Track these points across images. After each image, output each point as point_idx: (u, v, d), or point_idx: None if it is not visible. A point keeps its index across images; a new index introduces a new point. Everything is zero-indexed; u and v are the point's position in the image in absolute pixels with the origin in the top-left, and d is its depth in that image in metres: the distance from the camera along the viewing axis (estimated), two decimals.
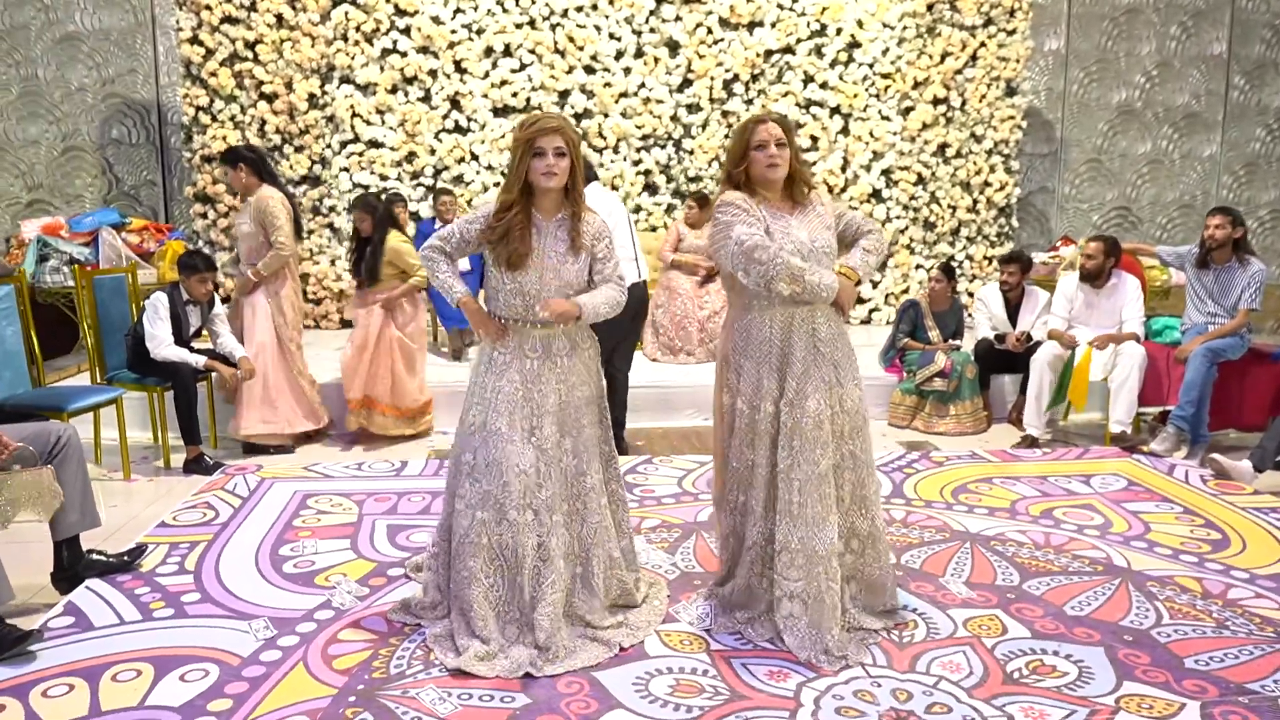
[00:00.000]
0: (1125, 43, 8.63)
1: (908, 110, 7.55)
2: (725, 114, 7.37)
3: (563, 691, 2.41)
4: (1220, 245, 4.79)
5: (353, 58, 7.03)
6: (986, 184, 7.72)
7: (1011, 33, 7.53)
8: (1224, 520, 3.73)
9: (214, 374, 4.57)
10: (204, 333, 4.77)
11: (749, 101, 7.38)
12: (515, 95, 7.17)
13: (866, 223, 2.82)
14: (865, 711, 2.32)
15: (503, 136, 7.19)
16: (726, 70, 7.29)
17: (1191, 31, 8.70)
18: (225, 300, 5.02)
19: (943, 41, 7.44)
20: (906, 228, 7.70)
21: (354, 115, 7.10)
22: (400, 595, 2.95)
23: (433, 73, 7.12)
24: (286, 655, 2.59)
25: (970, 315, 6.23)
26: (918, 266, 7.77)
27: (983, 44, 7.51)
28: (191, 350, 4.52)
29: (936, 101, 7.55)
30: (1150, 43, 8.67)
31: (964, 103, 7.57)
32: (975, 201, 7.74)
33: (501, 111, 7.19)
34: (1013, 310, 5.51)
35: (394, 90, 7.12)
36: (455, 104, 7.19)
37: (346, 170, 7.17)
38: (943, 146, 7.63)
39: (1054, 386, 5.04)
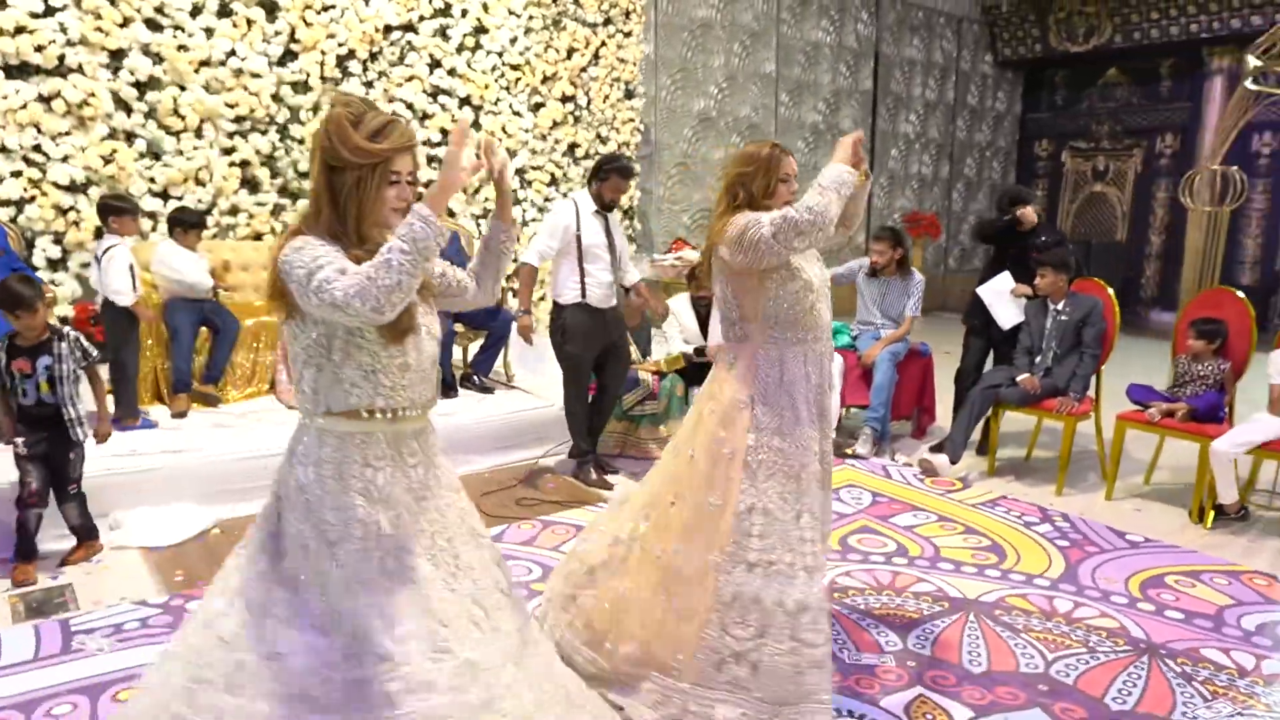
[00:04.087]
0: (702, 55, 9.21)
1: (538, 106, 7.09)
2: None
3: None
4: (885, 265, 5.22)
5: None
6: None
7: (628, 34, 7.50)
8: (971, 521, 3.99)
9: None
10: None
11: (368, 84, 6.24)
12: (41, 50, 5.08)
13: None
14: None
15: (23, 106, 5.06)
16: (340, 45, 6.06)
17: (750, 50, 9.61)
18: None
19: (568, 36, 7.11)
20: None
21: None
22: None
23: None
24: None
25: (659, 328, 6.00)
26: None
27: (604, 43, 7.35)
28: None
29: (565, 99, 7.21)
30: (720, 57, 9.38)
31: (590, 102, 7.35)
32: None
33: (18, 70, 5.05)
34: (703, 321, 5.41)
35: None
36: None
37: None
38: (572, 146, 7.33)
39: None
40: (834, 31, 10.32)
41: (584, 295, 4.27)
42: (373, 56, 6.23)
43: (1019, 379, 4.66)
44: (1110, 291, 4.84)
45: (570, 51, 7.14)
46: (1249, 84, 5.30)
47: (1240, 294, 4.54)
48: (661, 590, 2.33)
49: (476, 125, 6.74)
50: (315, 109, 6.00)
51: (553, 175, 7.22)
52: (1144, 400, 4.48)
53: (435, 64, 6.49)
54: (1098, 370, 4.79)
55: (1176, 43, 10.31)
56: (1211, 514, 4.11)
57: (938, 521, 4.00)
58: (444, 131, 6.58)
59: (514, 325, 5.40)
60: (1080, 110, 11.97)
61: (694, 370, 5.28)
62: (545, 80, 7.06)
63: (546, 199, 7.21)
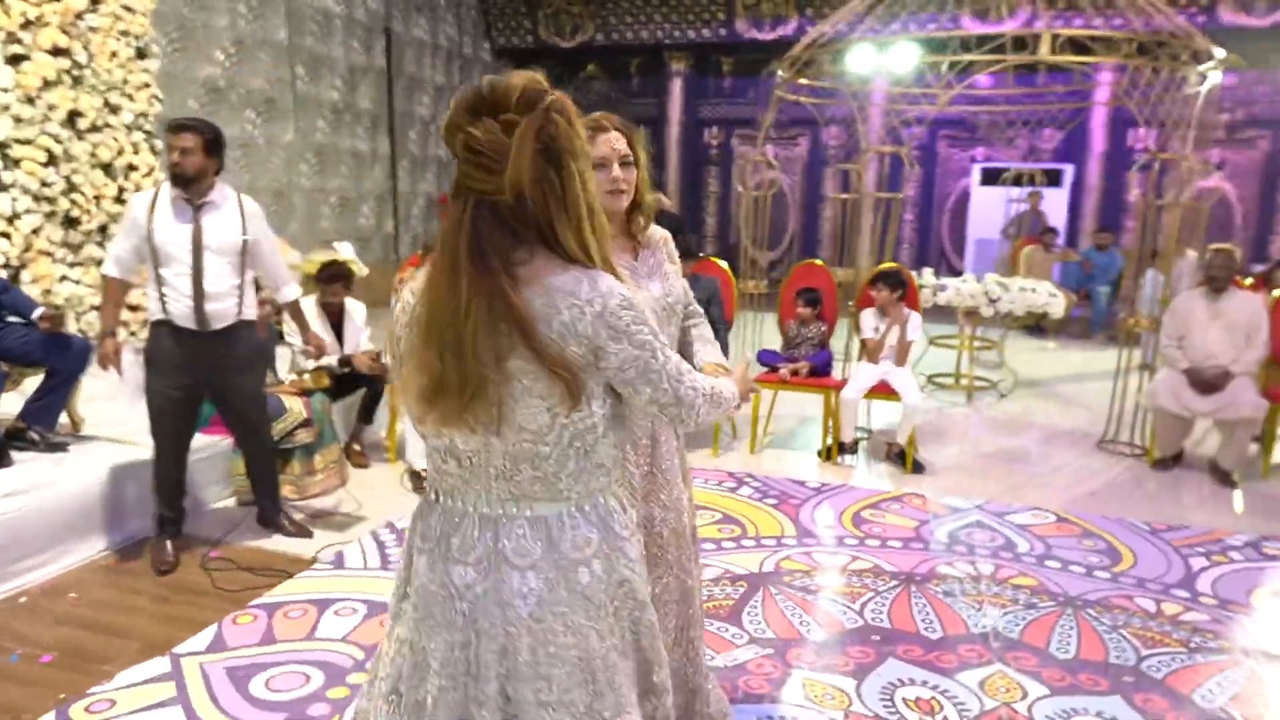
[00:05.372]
0: (203, 13, 7.82)
1: (18, 59, 5.27)
2: None
3: None
4: None
5: None
6: (132, 167, 6.08)
7: None
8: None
9: None
10: None
11: None
12: None
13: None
14: None
15: None
16: None
17: (259, 13, 8.43)
18: None
19: None
20: (41, 227, 5.48)
21: None
22: None
23: None
24: None
25: (287, 340, 4.89)
26: (62, 278, 5.65)
27: None
28: None
29: (57, 52, 5.48)
30: (225, 17, 8.07)
31: (91, 59, 5.70)
32: (121, 189, 6.01)
33: None
34: (337, 329, 4.66)
35: None
36: None
37: None
38: (73, 115, 5.63)
39: None
40: (343, 2, 9.58)
41: (165, 311, 3.30)
42: None
43: None
44: (725, 266, 5.40)
45: None
46: (779, 92, 6.30)
47: (821, 262, 5.42)
48: None
49: None
50: None
51: (49, 152, 5.46)
52: (773, 363, 5.11)
53: None
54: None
55: (646, 45, 11.80)
56: (835, 451, 4.89)
57: None
58: None
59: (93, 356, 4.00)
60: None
61: (338, 385, 4.54)
62: (27, 25, 5.27)
63: (44, 183, 5.45)
